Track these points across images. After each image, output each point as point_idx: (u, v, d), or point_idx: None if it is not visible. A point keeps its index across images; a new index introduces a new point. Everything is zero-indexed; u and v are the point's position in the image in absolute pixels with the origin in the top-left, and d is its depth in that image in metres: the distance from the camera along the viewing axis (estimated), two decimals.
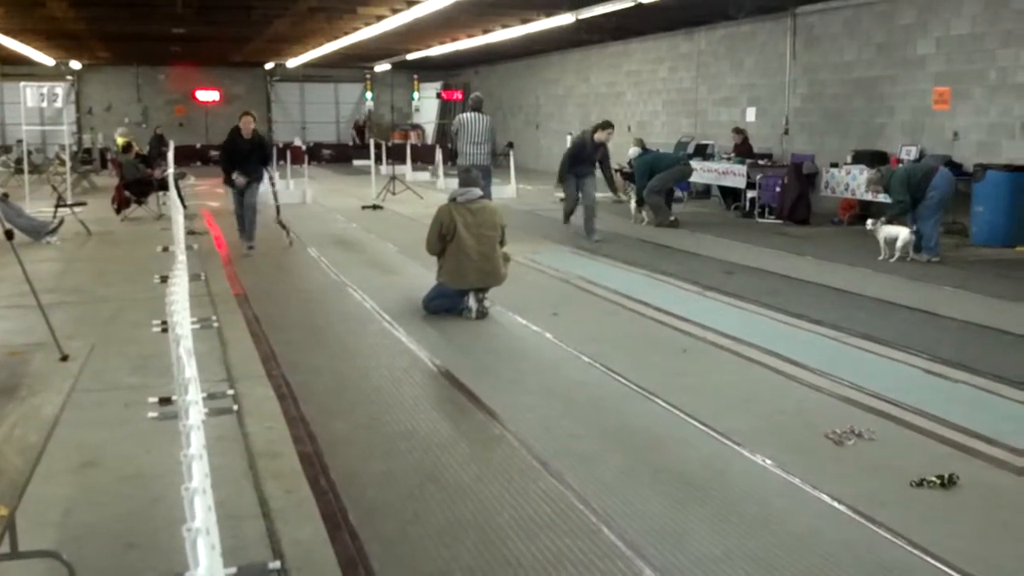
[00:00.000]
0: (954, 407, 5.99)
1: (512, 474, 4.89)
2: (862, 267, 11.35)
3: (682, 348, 7.63)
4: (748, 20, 19.02)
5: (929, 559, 3.96)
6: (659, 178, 15.93)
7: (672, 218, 15.61)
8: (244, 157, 13.03)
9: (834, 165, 16.01)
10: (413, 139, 33.42)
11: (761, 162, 17.47)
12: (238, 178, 12.84)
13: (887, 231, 11.86)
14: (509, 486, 4.72)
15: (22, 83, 18.22)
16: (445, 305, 8.64)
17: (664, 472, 4.94)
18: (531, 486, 4.73)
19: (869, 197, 14.09)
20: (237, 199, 13.13)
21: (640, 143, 20.48)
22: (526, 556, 3.99)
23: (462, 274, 8.44)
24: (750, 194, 16.90)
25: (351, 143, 36.36)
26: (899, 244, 11.67)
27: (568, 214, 14.68)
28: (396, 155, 24.54)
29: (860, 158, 15.25)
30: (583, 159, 13.97)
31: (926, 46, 14.92)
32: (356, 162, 32.49)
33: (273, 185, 13.93)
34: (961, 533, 4.24)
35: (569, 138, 20.33)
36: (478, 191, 8.78)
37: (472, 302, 8.56)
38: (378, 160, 22.71)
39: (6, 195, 14.08)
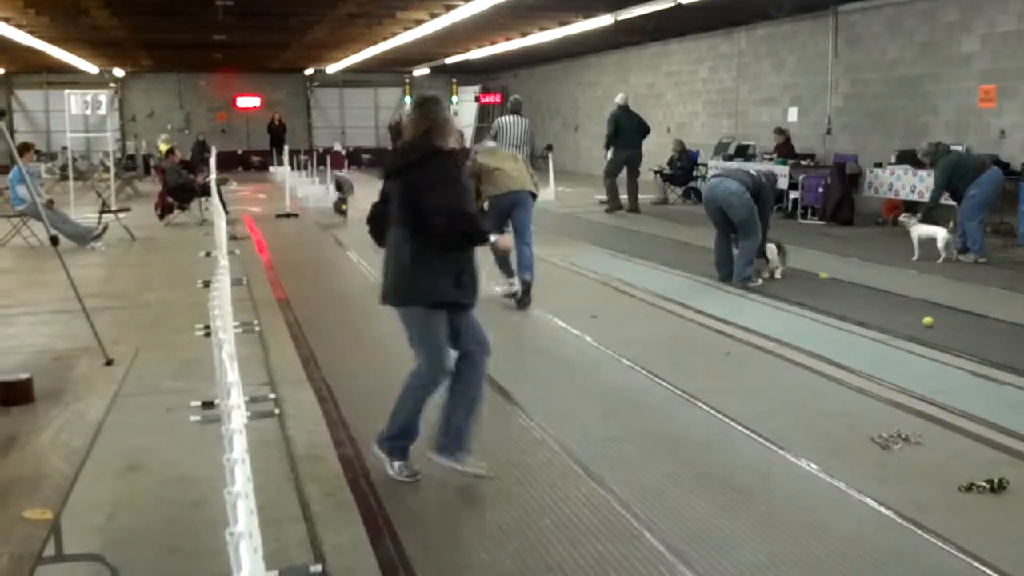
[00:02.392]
0: (1003, 411, 5.87)
1: (553, 478, 4.87)
2: (907, 268, 11.19)
3: (725, 351, 7.57)
4: (788, 19, 18.84)
5: (978, 565, 3.88)
6: (610, 161, 17.85)
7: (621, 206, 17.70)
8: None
9: (878, 165, 15.82)
10: (452, 142, 33.44)
11: (803, 162, 17.31)
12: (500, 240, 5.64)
13: (923, 230, 11.65)
14: (550, 490, 4.70)
15: (67, 91, 18.53)
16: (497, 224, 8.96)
17: (707, 476, 4.89)
18: (572, 491, 4.70)
19: (915, 197, 13.93)
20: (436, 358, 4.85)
21: (680, 144, 20.44)
22: (568, 562, 3.96)
23: (501, 183, 9.12)
24: (792, 195, 16.75)
25: (391, 147, 36.52)
26: (940, 244, 11.46)
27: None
28: None
29: (904, 158, 15.05)
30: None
31: (971, 43, 14.69)
32: None
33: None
34: (1011, 539, 4.16)
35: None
36: (491, 143, 10.35)
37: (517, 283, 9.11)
38: None
39: (51, 201, 14.28)
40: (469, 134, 36.53)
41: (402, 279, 4.67)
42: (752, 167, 11.26)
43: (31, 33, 20.35)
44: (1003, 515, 4.42)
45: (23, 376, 3.58)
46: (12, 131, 30.21)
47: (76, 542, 3.82)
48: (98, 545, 4.00)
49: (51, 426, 3.29)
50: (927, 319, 8.29)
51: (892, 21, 16.35)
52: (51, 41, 22.25)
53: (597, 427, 5.70)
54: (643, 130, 18.32)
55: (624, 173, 18.15)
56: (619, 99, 18.48)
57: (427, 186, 4.59)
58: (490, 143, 10.62)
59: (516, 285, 9.36)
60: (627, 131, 18.02)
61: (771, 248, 10.52)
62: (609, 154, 18.41)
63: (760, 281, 10.21)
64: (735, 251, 10.38)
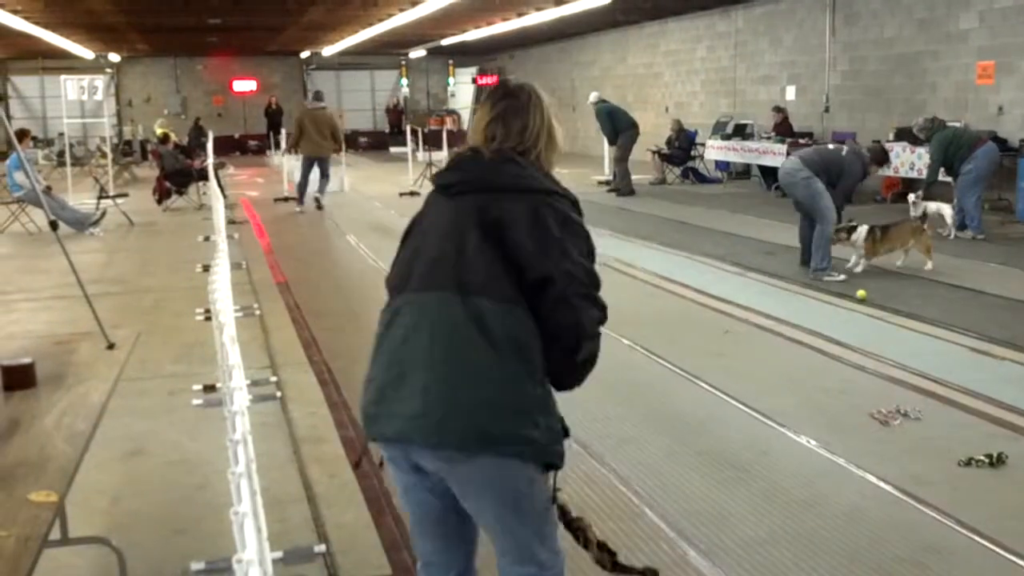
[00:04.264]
0: (1001, 386, 5.90)
1: None
2: None
3: (724, 330, 7.58)
4: None
5: (977, 538, 3.91)
6: (622, 146, 17.60)
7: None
8: None
9: (876, 143, 15.78)
10: (449, 125, 33.41)
11: (801, 141, 17.26)
12: None
13: (931, 207, 11.68)
14: None
15: (63, 76, 18.46)
16: None
17: (707, 454, 4.91)
18: (573, 469, 4.71)
19: (914, 175, 13.94)
20: None
21: (678, 124, 20.39)
22: (568, 538, 3.97)
23: (318, 146, 12.70)
24: None
25: (388, 130, 36.47)
26: (948, 220, 11.54)
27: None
28: (432, 141, 24.54)
29: (902, 135, 15.02)
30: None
31: (969, 20, 14.65)
32: (393, 149, 32.59)
33: None
34: (1010, 512, 4.18)
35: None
36: (320, 103, 14.64)
37: None
38: (415, 146, 22.75)
39: (49, 188, 14.27)
40: (467, 116, 36.48)
41: (498, 398, 2.43)
42: (837, 147, 10.01)
43: (25, 18, 20.27)
44: (1002, 489, 4.45)
45: (25, 361, 3.59)
46: (9, 117, 30.12)
47: (81, 525, 3.84)
48: (103, 528, 4.03)
49: (54, 410, 3.30)
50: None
51: None
52: (46, 26, 22.16)
53: (597, 405, 5.71)
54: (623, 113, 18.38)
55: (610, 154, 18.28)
56: (596, 97, 18.42)
57: (557, 237, 2.52)
58: (320, 103, 16.44)
59: (305, 206, 15.97)
60: (621, 117, 18.01)
61: (860, 232, 9.39)
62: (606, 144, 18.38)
63: (842, 277, 9.18)
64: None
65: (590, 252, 2.59)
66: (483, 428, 2.40)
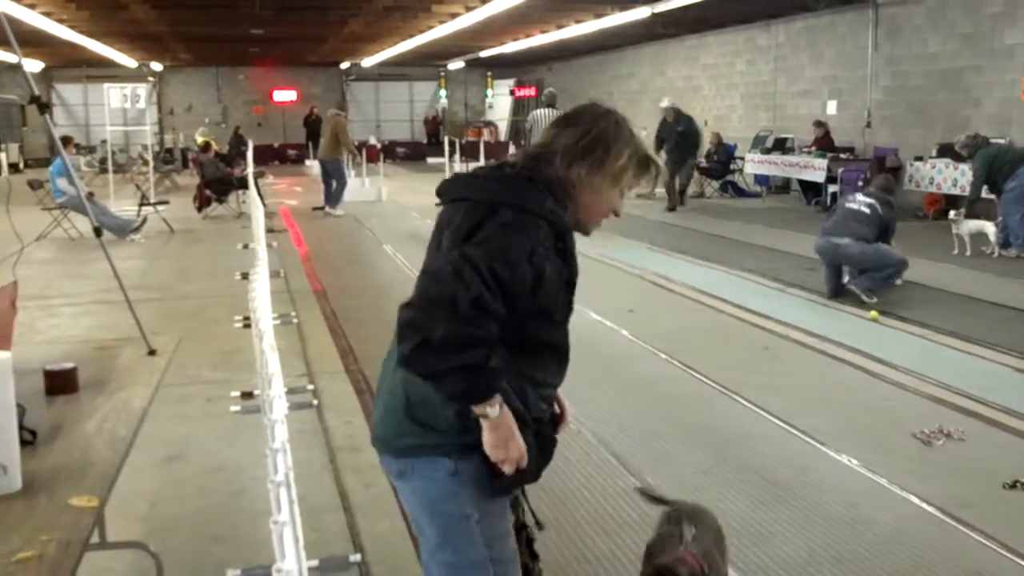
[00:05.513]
0: None
1: (590, 471, 4.86)
2: (947, 263, 11.05)
3: (763, 346, 7.51)
4: (828, 12, 18.66)
5: (1022, 562, 3.83)
6: (672, 161, 17.22)
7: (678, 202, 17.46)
8: None
9: (918, 159, 15.63)
10: (486, 136, 33.48)
11: (843, 156, 17.14)
12: None
13: (972, 225, 11.54)
14: (587, 483, 4.69)
15: (106, 85, 18.74)
16: None
17: (745, 471, 4.86)
18: (609, 483, 4.69)
19: (956, 191, 13.78)
20: None
21: (717, 137, 20.30)
22: (605, 553, 3.96)
23: (320, 149, 12.21)
24: (831, 188, 16.58)
25: (425, 141, 36.64)
26: (991, 238, 11.38)
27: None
28: (470, 152, 24.61)
29: (945, 151, 14.86)
30: None
31: (1015, 35, 14.46)
32: (430, 159, 32.72)
33: None
34: None
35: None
36: (338, 110, 15.86)
37: None
38: (452, 157, 22.82)
39: (91, 194, 14.43)
40: (504, 128, 36.56)
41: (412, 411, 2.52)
42: (865, 200, 9.10)
43: (71, 27, 20.59)
44: None
45: (68, 366, 3.62)
46: (53, 124, 30.58)
47: (120, 530, 3.86)
48: (141, 532, 4.05)
49: (96, 415, 3.32)
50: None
51: (933, 13, 16.14)
52: (90, 35, 22.49)
53: (634, 420, 5.68)
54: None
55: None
56: (669, 102, 18.21)
57: (467, 234, 2.35)
58: (335, 111, 17.96)
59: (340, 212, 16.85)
60: (691, 140, 17.96)
61: None
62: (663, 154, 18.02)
63: (875, 299, 8.75)
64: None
65: (495, 270, 2.29)
66: (398, 438, 2.54)
